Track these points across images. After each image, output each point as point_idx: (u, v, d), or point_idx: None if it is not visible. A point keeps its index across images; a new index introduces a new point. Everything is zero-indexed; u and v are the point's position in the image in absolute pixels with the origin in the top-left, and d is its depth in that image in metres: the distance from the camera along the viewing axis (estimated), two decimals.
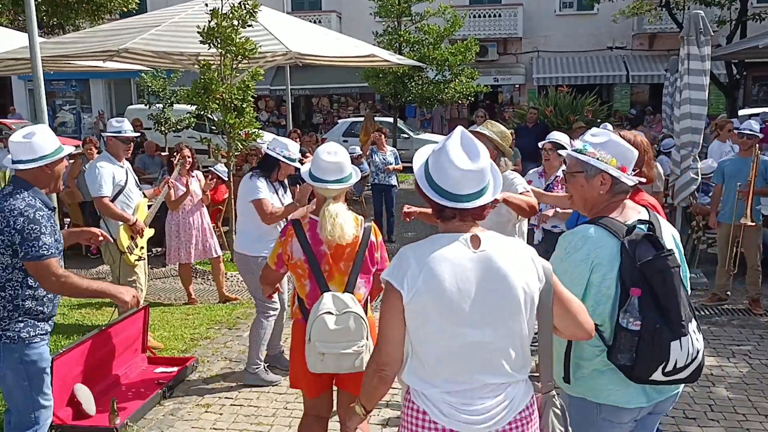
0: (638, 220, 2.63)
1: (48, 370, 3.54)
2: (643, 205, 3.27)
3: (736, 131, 8.20)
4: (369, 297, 3.58)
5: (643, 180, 2.98)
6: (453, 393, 2.22)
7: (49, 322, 3.53)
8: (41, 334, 3.47)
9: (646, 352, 2.45)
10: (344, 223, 3.30)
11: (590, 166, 2.65)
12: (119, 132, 5.82)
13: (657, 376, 2.50)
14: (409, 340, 2.27)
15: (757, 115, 14.56)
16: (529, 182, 5.22)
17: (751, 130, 6.94)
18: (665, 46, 24.85)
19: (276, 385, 5.24)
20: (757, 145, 6.96)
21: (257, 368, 5.26)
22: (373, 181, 10.77)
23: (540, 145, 6.07)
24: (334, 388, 3.67)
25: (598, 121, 12.96)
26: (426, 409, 2.23)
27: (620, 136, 3.50)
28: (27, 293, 3.38)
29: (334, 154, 3.40)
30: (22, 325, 3.38)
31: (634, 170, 3.20)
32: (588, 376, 2.62)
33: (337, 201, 3.39)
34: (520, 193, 4.36)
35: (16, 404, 3.49)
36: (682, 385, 2.69)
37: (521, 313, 2.22)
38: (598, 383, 2.60)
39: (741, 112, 16.40)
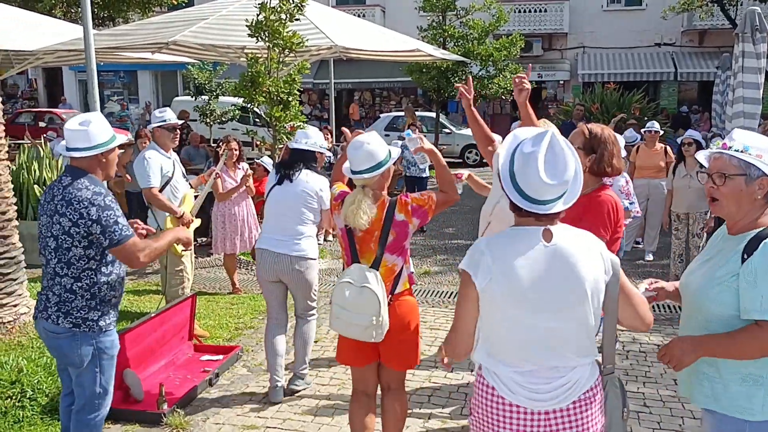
0: None
1: (115, 358, 3.61)
2: (606, 201, 3.26)
3: None
4: (406, 267, 3.65)
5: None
6: (521, 373, 2.34)
7: (117, 308, 3.60)
8: (114, 322, 3.55)
9: None
10: (357, 212, 3.43)
11: (755, 168, 2.43)
12: (164, 121, 5.93)
13: None
14: (481, 325, 2.38)
15: None
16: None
17: None
18: (716, 43, 24.30)
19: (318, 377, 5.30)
20: None
21: (304, 371, 5.07)
22: (405, 174, 11.45)
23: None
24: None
25: (645, 118, 12.75)
26: (494, 385, 2.37)
27: (588, 129, 3.39)
28: (102, 280, 3.43)
29: (361, 143, 3.48)
30: (99, 313, 3.44)
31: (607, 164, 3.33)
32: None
33: (366, 190, 3.50)
34: None
35: (84, 391, 3.53)
36: None
37: (588, 304, 2.30)
38: None
39: None
